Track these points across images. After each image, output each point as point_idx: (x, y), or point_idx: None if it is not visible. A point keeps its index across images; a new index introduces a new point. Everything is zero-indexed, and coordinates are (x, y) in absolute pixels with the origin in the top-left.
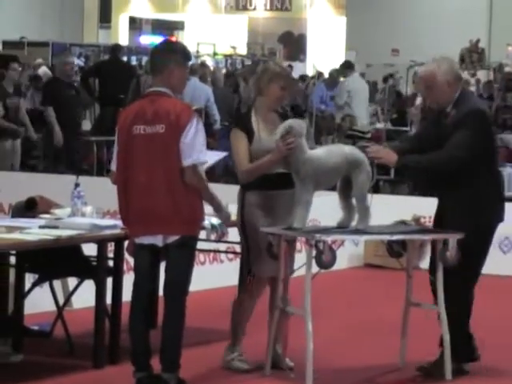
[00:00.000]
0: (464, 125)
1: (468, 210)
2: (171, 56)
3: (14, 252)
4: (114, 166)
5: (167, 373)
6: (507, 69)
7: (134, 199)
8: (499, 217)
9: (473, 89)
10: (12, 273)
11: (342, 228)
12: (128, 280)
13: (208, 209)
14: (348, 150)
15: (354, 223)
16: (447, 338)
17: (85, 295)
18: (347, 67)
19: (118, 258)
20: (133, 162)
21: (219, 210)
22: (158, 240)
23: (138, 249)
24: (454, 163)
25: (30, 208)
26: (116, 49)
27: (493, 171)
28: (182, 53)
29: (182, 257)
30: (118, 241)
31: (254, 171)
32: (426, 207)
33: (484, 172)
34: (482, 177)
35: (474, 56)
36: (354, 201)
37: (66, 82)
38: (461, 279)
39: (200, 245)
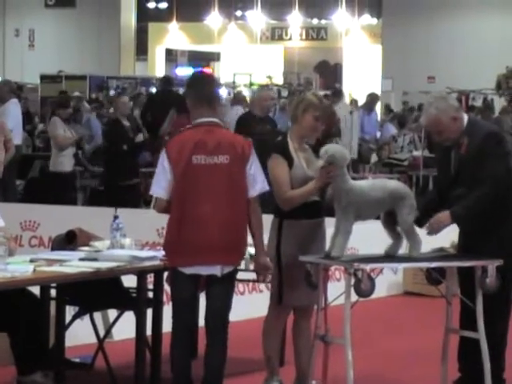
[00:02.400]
0: (486, 153)
1: (496, 235)
2: (215, 88)
3: (54, 285)
4: (161, 193)
5: None
6: None
7: (193, 229)
8: None
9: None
10: (53, 305)
11: (390, 256)
12: (168, 311)
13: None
14: (392, 185)
15: (401, 251)
16: (488, 366)
17: (125, 327)
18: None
19: (158, 289)
20: (193, 192)
21: (261, 249)
22: (216, 270)
23: (182, 279)
24: (498, 195)
25: (69, 241)
26: (166, 81)
27: None
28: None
29: (228, 287)
30: (158, 272)
31: (298, 198)
32: None
33: (507, 196)
34: (506, 200)
35: (510, 82)
36: (400, 230)
37: (261, 116)
38: (497, 306)
39: (239, 275)
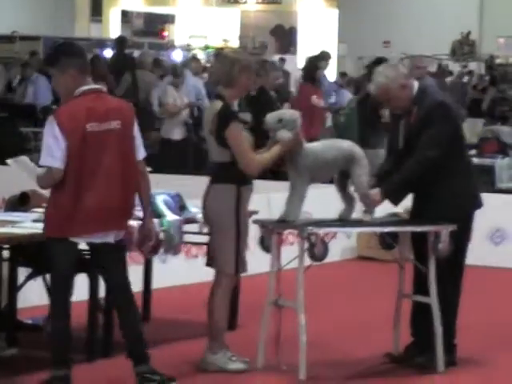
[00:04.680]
0: (429, 122)
1: (445, 200)
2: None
3: (7, 246)
4: (58, 163)
5: (146, 364)
6: (498, 60)
7: (95, 196)
8: (477, 204)
9: (465, 80)
10: (5, 267)
11: (344, 220)
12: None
13: None
14: (345, 145)
15: (355, 216)
16: (439, 330)
17: (78, 289)
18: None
19: None
20: (91, 160)
21: (150, 213)
22: (110, 237)
23: (71, 249)
24: (428, 163)
25: (23, 202)
26: (121, 41)
27: (463, 160)
28: None
29: (123, 252)
30: None
31: (268, 163)
32: None
33: (455, 162)
34: (454, 167)
35: (465, 48)
36: (353, 193)
37: None
38: (449, 272)
39: (193, 237)
